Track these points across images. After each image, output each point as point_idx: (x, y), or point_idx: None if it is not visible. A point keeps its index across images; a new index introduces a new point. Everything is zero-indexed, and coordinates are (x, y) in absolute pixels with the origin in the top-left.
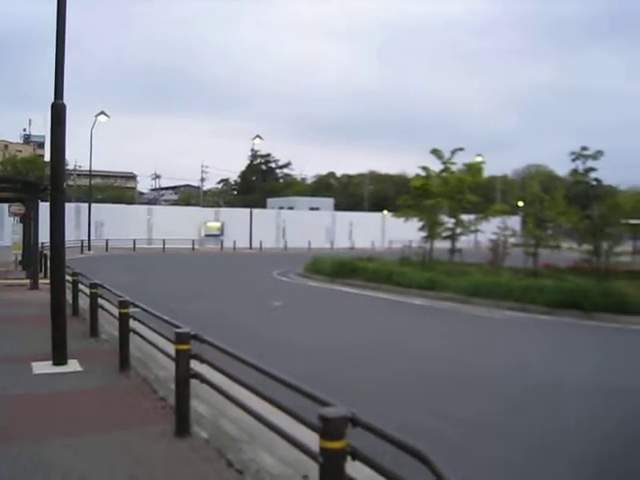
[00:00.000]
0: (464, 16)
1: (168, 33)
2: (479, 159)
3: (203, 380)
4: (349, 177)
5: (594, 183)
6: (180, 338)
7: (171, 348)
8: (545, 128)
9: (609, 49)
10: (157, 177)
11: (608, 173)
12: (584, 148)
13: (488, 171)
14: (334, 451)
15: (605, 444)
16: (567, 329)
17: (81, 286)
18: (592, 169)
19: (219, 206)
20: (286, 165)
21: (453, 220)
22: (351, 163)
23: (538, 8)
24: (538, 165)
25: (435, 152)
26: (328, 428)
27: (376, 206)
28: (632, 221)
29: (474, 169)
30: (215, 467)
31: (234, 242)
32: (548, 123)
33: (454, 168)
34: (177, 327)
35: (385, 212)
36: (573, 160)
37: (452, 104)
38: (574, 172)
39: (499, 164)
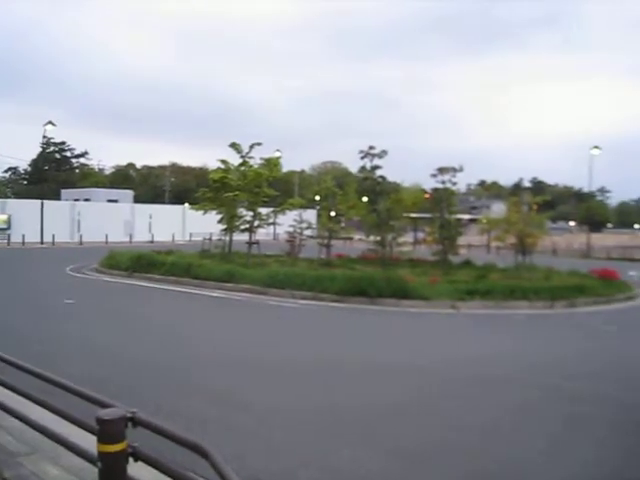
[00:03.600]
0: (270, 17)
1: None
2: (277, 154)
3: None
4: (150, 169)
5: (380, 180)
6: None
7: None
8: (341, 127)
9: (393, 62)
10: None
11: (392, 171)
12: (371, 147)
13: (287, 166)
14: (113, 454)
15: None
16: (349, 314)
17: None
18: (378, 167)
19: (6, 197)
20: (82, 155)
21: (251, 213)
22: (152, 154)
23: (338, 18)
24: (333, 162)
25: (234, 146)
26: (106, 430)
27: (178, 199)
28: (413, 214)
29: (272, 163)
30: None
31: (23, 236)
32: (343, 122)
33: (253, 162)
34: None
35: (186, 205)
36: (362, 158)
37: (255, 101)
38: (362, 169)
39: (298, 160)
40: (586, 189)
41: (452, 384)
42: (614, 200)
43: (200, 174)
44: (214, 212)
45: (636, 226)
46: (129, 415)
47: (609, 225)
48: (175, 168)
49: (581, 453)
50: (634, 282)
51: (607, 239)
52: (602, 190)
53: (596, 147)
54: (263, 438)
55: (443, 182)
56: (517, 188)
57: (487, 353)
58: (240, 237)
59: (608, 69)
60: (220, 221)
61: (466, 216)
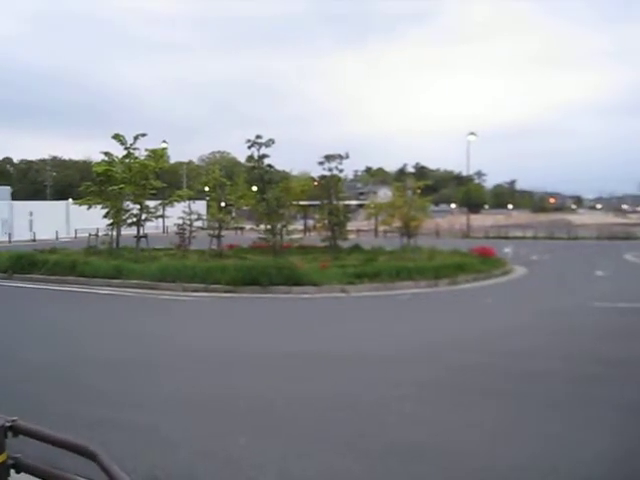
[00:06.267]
0: (154, 6)
1: None
2: (164, 145)
3: None
4: (29, 163)
5: (268, 168)
6: None
7: None
8: (228, 117)
9: (281, 53)
10: None
11: (282, 160)
12: (258, 136)
13: (175, 157)
14: None
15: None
16: (241, 303)
17: None
18: (266, 155)
19: None
20: None
21: (138, 206)
22: (31, 148)
23: (225, 7)
24: (222, 152)
25: (117, 137)
26: None
27: (61, 194)
28: (302, 202)
29: (158, 155)
30: None
31: None
32: (232, 113)
33: (138, 154)
34: None
35: (70, 200)
36: (249, 147)
37: (140, 92)
38: (250, 158)
39: (186, 151)
40: (465, 173)
41: (347, 365)
42: (490, 183)
43: (84, 167)
44: (99, 207)
45: (509, 207)
46: (8, 424)
47: (486, 206)
48: (57, 162)
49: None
50: (509, 258)
51: (485, 219)
52: (479, 174)
53: (472, 134)
54: (160, 434)
55: (330, 169)
56: (401, 173)
57: (376, 333)
58: (128, 231)
59: (482, 61)
60: (106, 215)
61: (354, 202)
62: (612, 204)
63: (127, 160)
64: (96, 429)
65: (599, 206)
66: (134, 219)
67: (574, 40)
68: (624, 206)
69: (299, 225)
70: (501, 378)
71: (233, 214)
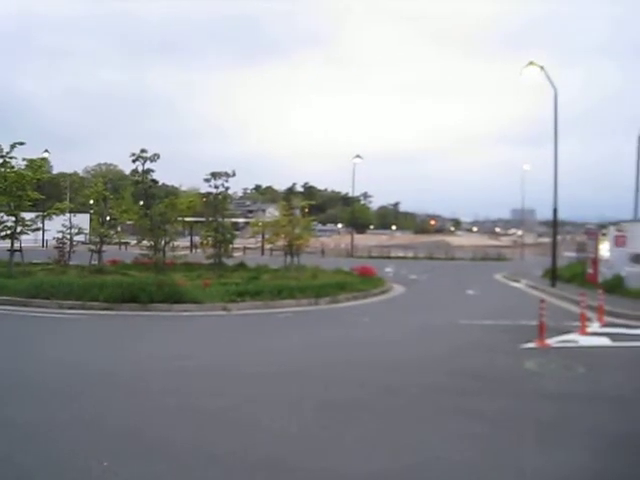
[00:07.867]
0: (39, 9)
1: None
2: (45, 155)
3: None
4: None
5: (151, 183)
6: None
7: None
8: (118, 129)
9: (173, 68)
10: None
11: (172, 175)
12: (143, 150)
13: (59, 168)
14: None
15: None
16: (116, 321)
17: None
18: (151, 170)
19: None
20: None
21: (13, 218)
22: None
23: (116, 18)
24: (109, 164)
25: None
26: None
27: None
28: (189, 218)
29: (36, 165)
30: None
31: None
32: (121, 125)
33: (15, 163)
34: None
35: None
36: (133, 161)
37: (24, 98)
38: (134, 172)
39: (72, 162)
40: (351, 194)
41: (222, 381)
42: (375, 204)
43: None
44: None
45: (393, 227)
46: None
47: (371, 227)
48: None
49: None
50: (389, 277)
51: (369, 239)
52: (365, 195)
53: (358, 156)
54: (14, 462)
55: (217, 187)
56: (290, 192)
57: (249, 350)
58: (2, 245)
59: (369, 86)
60: None
61: (242, 219)
62: (487, 227)
63: (2, 169)
64: None
65: (475, 229)
66: (8, 232)
67: (457, 71)
68: (497, 229)
69: (186, 241)
70: (364, 391)
71: (118, 229)
